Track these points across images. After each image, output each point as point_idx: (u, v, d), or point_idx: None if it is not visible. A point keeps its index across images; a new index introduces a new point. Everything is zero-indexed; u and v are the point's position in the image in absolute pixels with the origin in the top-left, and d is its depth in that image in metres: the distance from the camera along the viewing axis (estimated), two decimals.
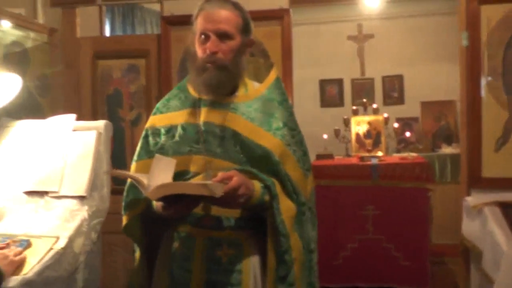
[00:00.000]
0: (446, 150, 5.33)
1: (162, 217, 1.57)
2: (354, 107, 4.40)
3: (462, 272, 2.96)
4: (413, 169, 3.56)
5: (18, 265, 1.55)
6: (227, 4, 1.60)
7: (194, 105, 1.62)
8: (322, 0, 3.53)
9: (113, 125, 2.14)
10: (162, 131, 1.64)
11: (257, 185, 1.50)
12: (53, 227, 1.77)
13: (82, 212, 1.81)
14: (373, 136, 4.16)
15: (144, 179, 1.41)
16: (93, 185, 1.81)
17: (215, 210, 1.55)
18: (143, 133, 1.70)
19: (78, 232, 1.74)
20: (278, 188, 1.54)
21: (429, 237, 3.67)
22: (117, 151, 2.94)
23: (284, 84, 2.88)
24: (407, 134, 4.77)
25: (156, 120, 1.68)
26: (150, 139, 1.66)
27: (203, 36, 1.58)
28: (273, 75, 1.71)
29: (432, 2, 5.55)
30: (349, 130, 4.22)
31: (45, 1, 3.17)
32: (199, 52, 1.59)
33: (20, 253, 1.59)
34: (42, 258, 1.61)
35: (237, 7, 1.63)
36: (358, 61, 6.04)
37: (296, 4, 3.13)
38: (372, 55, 5.96)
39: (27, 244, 1.67)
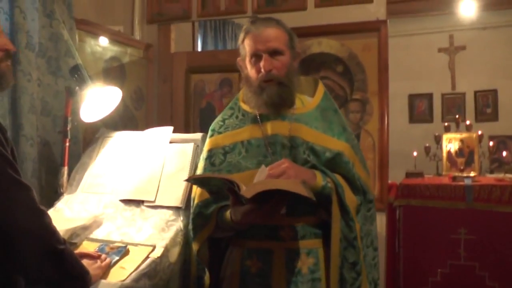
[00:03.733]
0: None
1: (233, 229, 1.61)
2: (446, 124, 4.16)
3: None
4: None
5: (105, 270, 1.62)
6: (271, 23, 1.66)
7: (255, 121, 1.69)
8: (419, 11, 3.39)
9: None
10: (225, 149, 1.70)
11: (317, 173, 1.58)
12: (149, 236, 1.80)
13: (177, 223, 1.83)
14: (466, 154, 3.90)
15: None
16: (190, 196, 1.83)
17: (291, 221, 1.58)
18: (205, 155, 1.76)
19: (173, 242, 1.76)
20: (341, 179, 1.59)
21: None
22: None
23: (380, 98, 2.86)
24: (504, 153, 4.44)
25: (217, 141, 1.75)
26: (215, 159, 1.71)
27: (254, 58, 1.64)
28: (321, 87, 1.80)
29: None
30: (440, 148, 4.00)
31: (142, 19, 3.32)
32: (252, 73, 1.66)
33: (105, 259, 1.65)
34: (139, 266, 1.65)
35: (280, 23, 1.68)
36: (449, 75, 5.73)
37: (393, 15, 3.01)
38: (464, 68, 5.62)
39: (125, 251, 1.72)
